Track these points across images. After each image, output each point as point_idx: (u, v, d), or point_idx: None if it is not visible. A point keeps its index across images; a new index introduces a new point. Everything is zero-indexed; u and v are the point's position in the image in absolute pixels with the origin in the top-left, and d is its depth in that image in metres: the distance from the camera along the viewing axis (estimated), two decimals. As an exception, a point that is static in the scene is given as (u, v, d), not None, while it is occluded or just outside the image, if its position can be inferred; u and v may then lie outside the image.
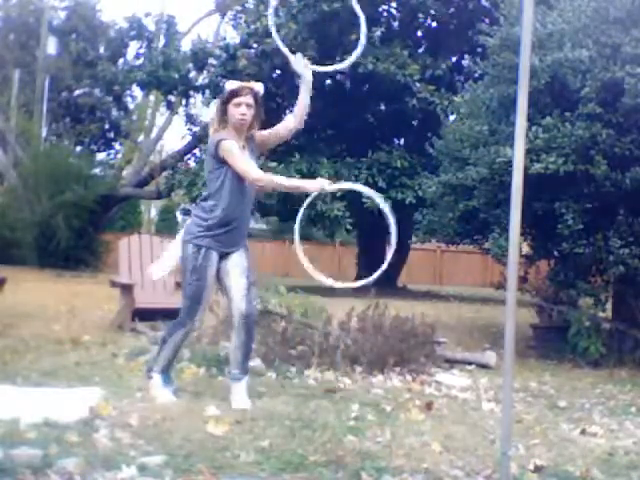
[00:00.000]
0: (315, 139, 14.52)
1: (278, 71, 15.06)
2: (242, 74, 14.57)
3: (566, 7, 6.57)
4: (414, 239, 15.75)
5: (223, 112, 4.06)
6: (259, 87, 4.13)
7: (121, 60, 17.75)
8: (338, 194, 12.42)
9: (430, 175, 9.09)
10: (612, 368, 6.25)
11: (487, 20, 12.30)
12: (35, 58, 22.21)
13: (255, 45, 14.77)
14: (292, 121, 4.23)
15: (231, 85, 4.07)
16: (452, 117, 9.85)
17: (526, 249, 7.44)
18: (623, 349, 6.69)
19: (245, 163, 3.99)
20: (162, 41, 16.94)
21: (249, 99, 4.03)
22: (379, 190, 13.47)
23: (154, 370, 4.07)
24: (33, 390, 3.98)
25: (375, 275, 4.01)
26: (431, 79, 13.71)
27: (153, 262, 7.71)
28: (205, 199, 4.07)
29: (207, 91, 16.39)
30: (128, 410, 3.61)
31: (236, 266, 4.03)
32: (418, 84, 13.34)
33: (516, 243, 2.66)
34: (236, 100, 4.01)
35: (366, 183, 13.35)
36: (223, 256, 4.02)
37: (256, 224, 34.25)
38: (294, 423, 3.54)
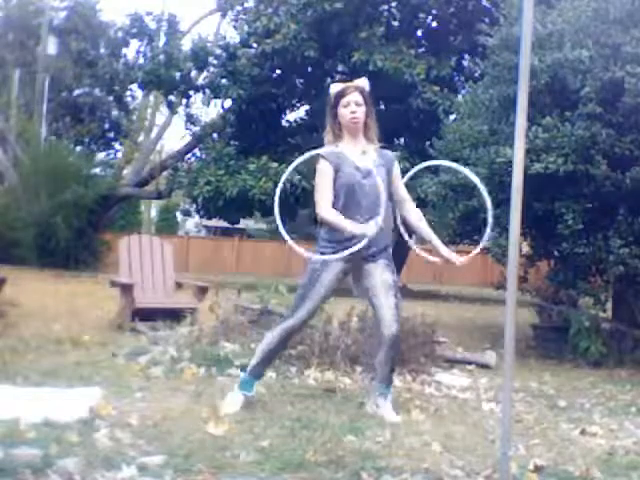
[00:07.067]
0: (316, 139, 14.55)
1: (278, 71, 15.07)
2: (242, 74, 14.61)
3: (566, 7, 6.57)
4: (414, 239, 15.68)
5: (334, 117, 3.92)
6: (364, 83, 3.98)
7: (122, 60, 17.73)
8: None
9: (431, 175, 9.09)
10: (612, 368, 6.24)
11: (487, 20, 12.30)
12: (35, 58, 22.22)
13: (255, 45, 14.78)
14: (412, 218, 4.02)
15: (335, 88, 3.94)
16: (452, 117, 9.84)
17: (526, 249, 7.44)
18: (623, 349, 6.69)
19: (323, 193, 3.86)
20: (162, 40, 16.94)
21: (357, 97, 3.87)
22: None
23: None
24: (33, 390, 3.98)
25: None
26: (436, 80, 13.72)
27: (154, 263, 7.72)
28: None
29: (207, 91, 16.41)
30: (128, 410, 3.61)
31: None
32: (423, 84, 13.36)
33: (516, 243, 2.65)
34: (344, 100, 3.86)
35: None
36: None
37: (256, 224, 34.32)
38: (294, 423, 3.54)
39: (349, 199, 3.83)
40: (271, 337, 3.95)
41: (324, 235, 3.91)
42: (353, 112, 3.86)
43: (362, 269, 3.92)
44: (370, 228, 3.70)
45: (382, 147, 4.05)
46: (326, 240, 3.89)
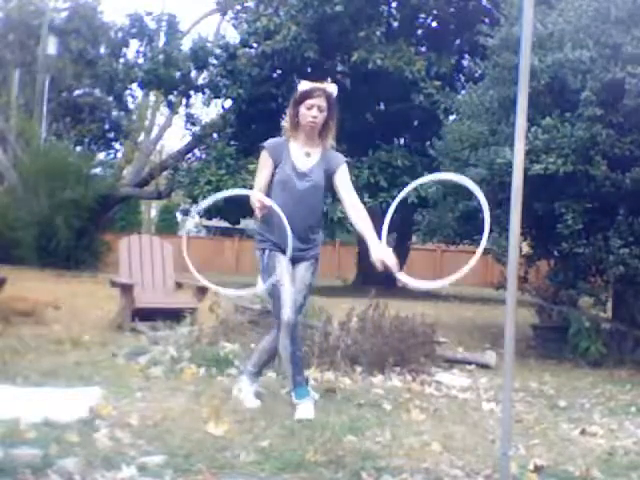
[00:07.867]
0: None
1: (278, 71, 15.07)
2: (242, 74, 14.61)
3: (567, 7, 6.56)
4: (414, 239, 15.71)
5: (295, 114, 3.95)
6: (332, 89, 3.97)
7: (122, 60, 17.74)
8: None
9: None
10: (612, 368, 6.24)
11: (487, 20, 12.30)
12: (35, 58, 22.22)
13: (255, 45, 14.78)
14: (351, 215, 3.99)
15: (304, 86, 3.94)
16: (452, 117, 9.84)
17: (526, 249, 7.44)
18: (623, 349, 6.69)
19: (257, 180, 4.02)
20: (162, 40, 16.95)
21: (322, 102, 3.89)
22: (381, 189, 13.47)
23: None
24: (33, 390, 3.98)
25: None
26: (436, 76, 13.71)
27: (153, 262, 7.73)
28: None
29: (207, 91, 16.42)
30: (128, 410, 3.62)
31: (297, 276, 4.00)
32: (424, 80, 13.34)
33: (516, 243, 2.66)
34: (308, 102, 3.88)
35: (368, 182, 13.35)
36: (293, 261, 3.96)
37: (255, 224, 34.29)
38: (294, 423, 3.55)
39: (284, 196, 3.92)
40: (283, 346, 3.90)
41: (259, 230, 4.10)
42: (314, 117, 3.91)
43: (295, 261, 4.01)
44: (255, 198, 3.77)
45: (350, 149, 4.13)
46: (261, 235, 4.06)
